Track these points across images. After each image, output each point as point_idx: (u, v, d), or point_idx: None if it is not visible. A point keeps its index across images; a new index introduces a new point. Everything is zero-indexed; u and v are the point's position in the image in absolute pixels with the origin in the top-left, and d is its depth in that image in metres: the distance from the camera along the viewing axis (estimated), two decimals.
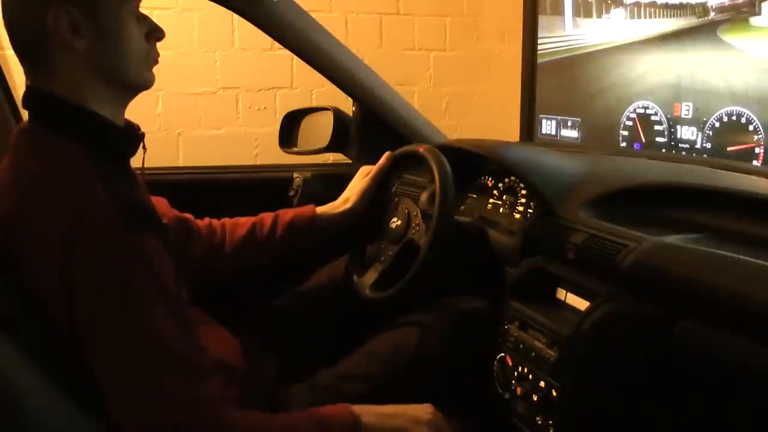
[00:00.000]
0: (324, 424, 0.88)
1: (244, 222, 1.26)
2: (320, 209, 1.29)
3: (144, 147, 0.99)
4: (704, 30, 1.46)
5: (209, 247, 1.23)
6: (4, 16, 0.89)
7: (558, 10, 1.85)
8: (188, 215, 1.24)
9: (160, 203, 1.18)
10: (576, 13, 1.81)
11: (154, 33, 0.95)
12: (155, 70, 0.97)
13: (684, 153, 1.52)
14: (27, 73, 0.91)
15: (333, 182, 1.43)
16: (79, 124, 0.89)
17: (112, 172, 0.88)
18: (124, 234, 0.81)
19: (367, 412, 0.92)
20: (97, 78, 0.90)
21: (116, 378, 0.80)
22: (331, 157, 1.93)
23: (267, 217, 1.27)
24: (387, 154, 1.33)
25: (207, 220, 1.27)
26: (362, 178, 1.33)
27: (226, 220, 1.28)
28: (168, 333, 0.82)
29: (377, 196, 1.32)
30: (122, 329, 0.80)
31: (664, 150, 1.58)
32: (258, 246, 1.25)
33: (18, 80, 0.95)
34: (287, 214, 1.27)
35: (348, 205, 1.30)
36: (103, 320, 0.80)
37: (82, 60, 0.88)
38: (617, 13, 1.69)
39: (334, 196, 1.34)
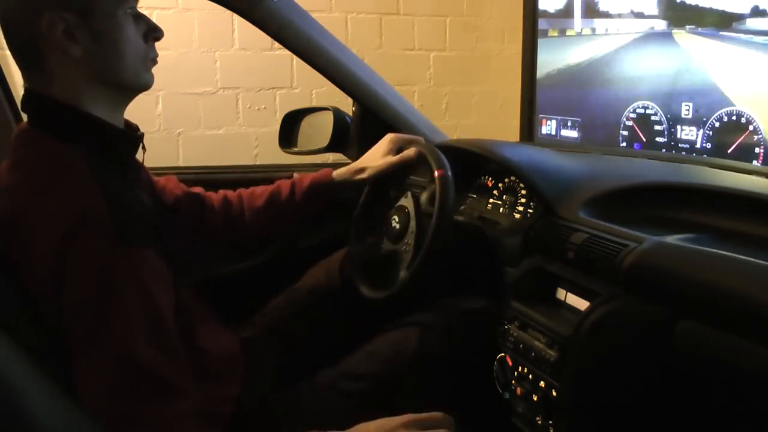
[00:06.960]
0: None
1: (261, 191, 1.26)
2: (336, 173, 1.28)
3: (143, 147, 0.99)
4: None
5: (226, 218, 1.23)
6: (0, 18, 0.88)
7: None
8: (198, 189, 1.25)
9: (169, 181, 1.19)
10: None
11: (153, 33, 0.94)
12: (155, 69, 0.96)
13: (684, 153, 1.52)
14: (24, 75, 0.90)
15: None
16: (76, 126, 0.88)
17: (110, 175, 0.87)
18: (116, 243, 0.80)
19: None
20: (95, 81, 0.89)
21: (88, 386, 0.79)
22: (331, 157, 1.93)
23: (284, 184, 1.27)
24: (414, 149, 1.25)
25: (221, 192, 1.27)
26: (386, 149, 1.28)
27: (242, 191, 1.27)
28: (142, 349, 0.79)
29: (384, 189, 1.31)
30: (98, 338, 0.79)
31: (664, 150, 1.58)
32: (278, 213, 1.25)
33: (18, 81, 0.95)
34: (305, 178, 1.27)
35: (363, 176, 1.28)
36: (83, 325, 0.79)
37: (78, 64, 0.87)
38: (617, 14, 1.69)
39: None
